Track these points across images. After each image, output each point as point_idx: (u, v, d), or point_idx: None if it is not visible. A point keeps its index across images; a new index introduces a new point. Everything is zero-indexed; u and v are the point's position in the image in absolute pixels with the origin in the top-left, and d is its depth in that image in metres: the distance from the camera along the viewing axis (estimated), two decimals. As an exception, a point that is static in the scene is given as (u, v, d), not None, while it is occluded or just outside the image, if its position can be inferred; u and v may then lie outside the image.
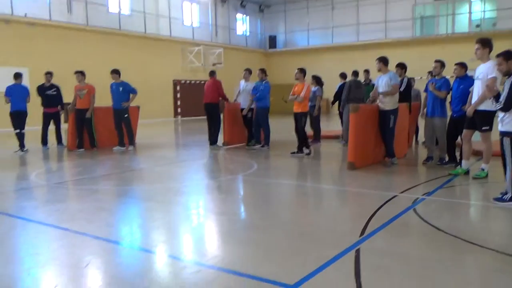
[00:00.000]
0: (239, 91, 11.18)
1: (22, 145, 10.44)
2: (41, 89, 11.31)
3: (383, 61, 8.08)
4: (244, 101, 11.02)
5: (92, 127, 10.88)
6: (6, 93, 10.47)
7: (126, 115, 10.82)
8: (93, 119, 10.87)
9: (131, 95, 10.90)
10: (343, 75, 12.42)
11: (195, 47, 24.97)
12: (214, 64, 24.47)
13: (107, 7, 21.62)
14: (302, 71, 9.47)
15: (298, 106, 9.46)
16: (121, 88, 10.74)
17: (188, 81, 25.34)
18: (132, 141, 11.13)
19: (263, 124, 10.76)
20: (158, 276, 3.39)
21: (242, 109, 11.03)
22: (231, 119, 11.37)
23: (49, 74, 11.41)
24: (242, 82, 11.13)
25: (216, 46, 26.45)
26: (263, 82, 10.77)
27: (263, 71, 11.06)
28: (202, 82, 23.20)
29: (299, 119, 9.49)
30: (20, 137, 10.47)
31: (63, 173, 8.42)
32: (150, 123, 20.24)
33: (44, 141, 11.30)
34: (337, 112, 12.66)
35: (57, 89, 11.40)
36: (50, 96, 11.24)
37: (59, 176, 8.06)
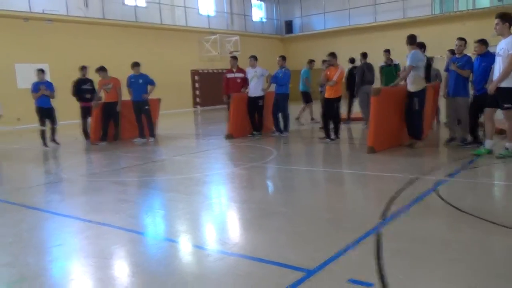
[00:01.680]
0: (246, 79, 10.92)
1: (43, 141, 10.72)
2: (78, 84, 11.12)
3: (410, 38, 7.91)
4: (254, 89, 10.78)
5: (119, 120, 11.03)
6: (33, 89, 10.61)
7: (146, 107, 10.94)
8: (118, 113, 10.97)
9: (149, 87, 10.99)
10: (351, 60, 12.67)
11: (212, 36, 24.92)
12: (231, 52, 24.32)
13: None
14: (334, 55, 9.32)
15: (330, 91, 9.19)
16: (140, 80, 10.83)
17: (205, 71, 25.35)
18: (152, 133, 11.24)
19: (283, 111, 10.74)
20: (182, 264, 3.45)
21: (251, 98, 10.81)
22: (237, 110, 10.75)
23: (85, 68, 11.30)
24: (249, 69, 10.93)
25: (233, 34, 26.33)
26: (283, 69, 10.73)
27: (283, 58, 11.02)
28: (220, 71, 23.22)
29: (331, 105, 9.29)
30: (41, 134, 10.74)
31: (87, 167, 8.59)
32: (169, 114, 20.38)
33: (87, 134, 11.24)
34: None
35: (91, 83, 11.30)
36: (86, 90, 11.10)
37: (83, 169, 8.22)
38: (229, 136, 10.64)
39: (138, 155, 9.16)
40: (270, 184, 6.36)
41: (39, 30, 18.26)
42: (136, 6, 22.00)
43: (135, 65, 10.93)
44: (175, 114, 21.19)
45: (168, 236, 4.13)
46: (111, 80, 10.89)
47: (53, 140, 10.87)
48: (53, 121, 10.80)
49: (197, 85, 25.07)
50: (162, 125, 13.56)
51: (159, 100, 12.30)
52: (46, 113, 10.62)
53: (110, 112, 10.86)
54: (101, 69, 10.94)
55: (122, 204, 5.22)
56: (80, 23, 19.65)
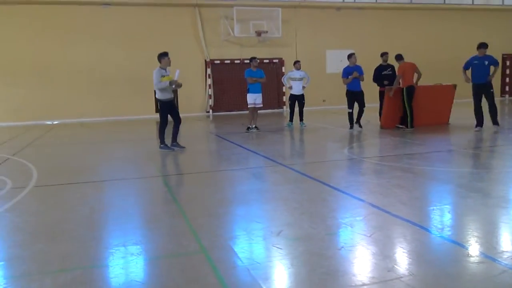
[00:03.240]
0: None
1: (351, 123, 11.30)
2: (378, 69, 11.68)
3: None
4: None
5: (406, 106, 10.85)
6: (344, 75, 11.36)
7: (491, 90, 10.32)
8: (408, 98, 10.81)
9: (492, 68, 10.30)
10: None
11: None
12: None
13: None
14: None
15: None
16: (486, 62, 10.26)
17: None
18: (496, 120, 10.43)
19: None
20: (463, 272, 3.34)
21: None
22: None
23: (386, 54, 11.68)
24: None
25: None
26: None
27: None
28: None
29: None
30: (349, 116, 11.34)
31: (372, 149, 9.03)
32: (470, 102, 18.88)
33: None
34: None
35: (392, 69, 11.58)
36: (386, 76, 11.46)
37: (368, 151, 8.71)
38: None
39: (425, 143, 9.01)
40: None
41: (349, 18, 19.73)
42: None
43: (483, 46, 10.40)
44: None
45: (437, 231, 3.99)
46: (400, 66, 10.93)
47: (358, 122, 11.40)
48: (361, 104, 11.33)
49: (508, 71, 22.26)
50: (459, 114, 12.81)
51: (454, 86, 11.67)
52: (356, 96, 11.23)
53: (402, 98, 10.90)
54: (396, 57, 11.14)
55: (395, 189, 5.34)
56: (388, 9, 20.20)
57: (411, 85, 10.83)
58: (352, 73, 11.15)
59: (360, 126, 11.35)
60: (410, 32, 20.16)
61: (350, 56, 11.38)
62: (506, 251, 3.41)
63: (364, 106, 11.34)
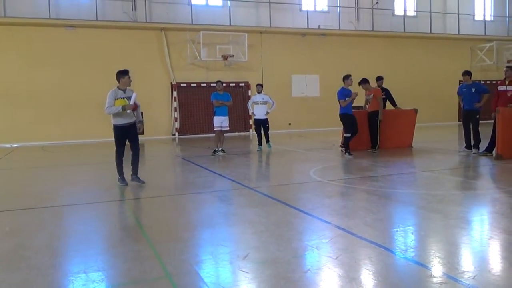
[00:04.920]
0: None
1: (348, 148, 10.66)
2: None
3: None
4: None
5: (377, 129, 11.08)
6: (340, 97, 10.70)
7: (477, 116, 10.61)
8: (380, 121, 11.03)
9: (483, 95, 10.53)
10: None
11: (487, 44, 22.67)
12: (509, 61, 21.70)
13: (393, 10, 22.08)
14: None
15: None
16: (473, 90, 10.54)
17: (477, 82, 23.19)
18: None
19: None
20: (396, 277, 3.41)
21: None
22: (507, 126, 9.37)
23: (381, 79, 11.89)
24: None
25: (513, 40, 23.40)
26: None
27: None
28: (493, 82, 20.98)
29: None
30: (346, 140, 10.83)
31: (337, 172, 9.15)
32: (432, 126, 19.53)
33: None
34: None
35: (387, 91, 11.86)
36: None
37: (332, 174, 8.82)
38: (499, 157, 9.35)
39: (388, 166, 9.21)
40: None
41: (314, 44, 20.21)
42: (405, 16, 22.01)
43: (466, 73, 10.71)
44: (438, 127, 20.18)
45: (401, 252, 4.04)
46: (372, 91, 11.19)
47: (341, 146, 11.06)
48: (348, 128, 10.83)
49: (465, 97, 23.22)
50: (421, 138, 13.21)
51: (415, 110, 12.05)
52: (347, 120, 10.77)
53: (371, 121, 11.13)
54: (363, 81, 11.37)
55: (360, 211, 5.41)
56: (351, 36, 20.83)
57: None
58: (349, 95, 10.45)
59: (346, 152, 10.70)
60: (372, 58, 20.81)
61: (346, 78, 10.63)
62: (467, 271, 3.49)
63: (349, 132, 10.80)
